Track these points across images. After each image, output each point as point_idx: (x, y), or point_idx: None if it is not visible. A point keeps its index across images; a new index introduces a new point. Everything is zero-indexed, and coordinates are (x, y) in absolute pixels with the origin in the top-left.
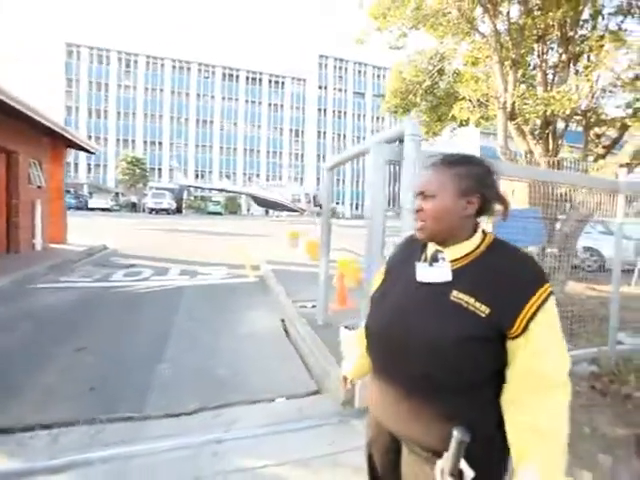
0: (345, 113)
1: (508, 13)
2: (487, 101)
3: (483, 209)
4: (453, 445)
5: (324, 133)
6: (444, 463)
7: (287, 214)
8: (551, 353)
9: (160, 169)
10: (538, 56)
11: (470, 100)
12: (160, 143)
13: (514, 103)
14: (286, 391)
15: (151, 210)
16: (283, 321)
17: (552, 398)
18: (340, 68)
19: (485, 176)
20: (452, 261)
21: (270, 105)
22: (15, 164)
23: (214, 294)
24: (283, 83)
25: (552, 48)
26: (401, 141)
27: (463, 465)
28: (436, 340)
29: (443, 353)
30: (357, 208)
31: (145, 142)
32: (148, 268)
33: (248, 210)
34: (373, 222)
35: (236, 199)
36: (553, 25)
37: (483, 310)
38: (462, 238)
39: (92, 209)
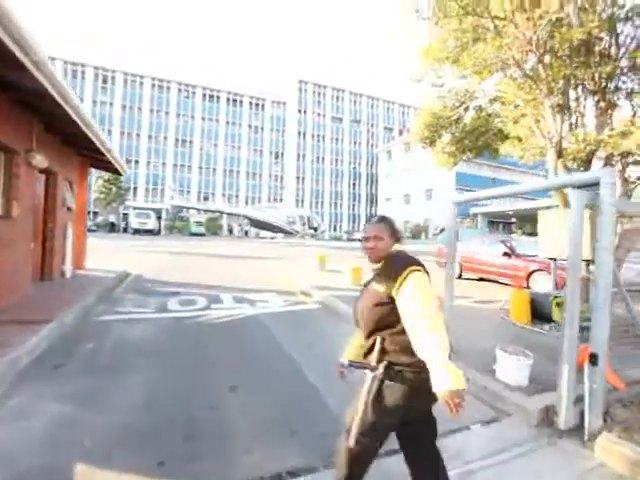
0: (324, 137)
1: (551, 64)
2: (529, 138)
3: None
4: (374, 353)
5: (304, 156)
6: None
7: (282, 236)
8: (412, 307)
9: (136, 188)
10: (577, 102)
11: (517, 138)
12: (137, 162)
13: (560, 142)
14: (469, 418)
15: (135, 231)
16: None
17: (419, 332)
18: (319, 93)
19: (393, 225)
20: (376, 269)
21: (250, 127)
22: (54, 186)
23: (294, 323)
24: (263, 105)
25: (592, 95)
26: (580, 187)
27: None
28: (365, 306)
29: (369, 311)
30: (335, 229)
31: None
32: (197, 296)
33: (230, 232)
34: (574, 261)
35: (217, 220)
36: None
37: (380, 288)
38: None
39: None
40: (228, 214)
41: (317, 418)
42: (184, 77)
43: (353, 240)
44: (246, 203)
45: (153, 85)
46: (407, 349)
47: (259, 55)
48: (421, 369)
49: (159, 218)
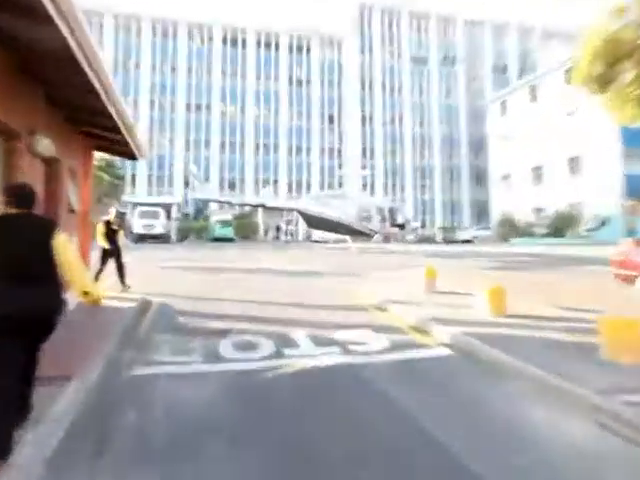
0: (400, 88)
1: None
2: None
3: None
4: None
5: (371, 118)
6: None
7: (346, 237)
8: None
9: (134, 176)
10: None
11: None
12: None
13: None
14: None
15: (139, 237)
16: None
17: None
18: (390, 23)
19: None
20: None
21: (291, 81)
22: (55, 180)
23: (423, 383)
24: (309, 48)
25: None
26: None
27: None
28: None
29: None
30: (423, 225)
31: None
32: (257, 335)
33: (266, 233)
34: None
35: (250, 218)
36: None
37: None
38: None
39: None
40: (270, 209)
41: None
42: (196, 15)
43: (454, 242)
44: (289, 191)
45: (154, 30)
46: None
47: None
48: None
49: (168, 217)
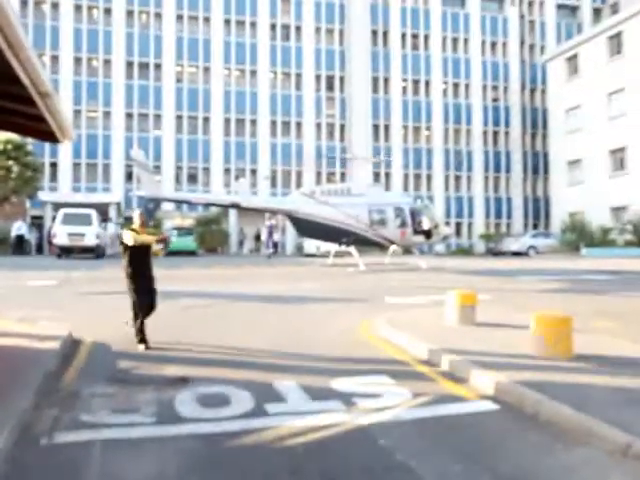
0: (426, 38)
1: None
2: None
3: None
4: None
5: (385, 80)
6: None
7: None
8: None
9: (55, 165)
10: None
11: None
12: None
13: None
14: None
15: (62, 251)
16: None
17: None
18: None
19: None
20: None
21: (274, 28)
22: None
23: (455, 451)
24: None
25: None
26: None
27: None
28: None
29: None
30: (457, 232)
31: None
32: (227, 385)
33: (241, 244)
34: None
35: (219, 223)
36: None
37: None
38: None
39: None
40: (247, 210)
41: None
42: None
43: (501, 254)
44: (272, 185)
45: None
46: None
47: None
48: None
49: (104, 221)
